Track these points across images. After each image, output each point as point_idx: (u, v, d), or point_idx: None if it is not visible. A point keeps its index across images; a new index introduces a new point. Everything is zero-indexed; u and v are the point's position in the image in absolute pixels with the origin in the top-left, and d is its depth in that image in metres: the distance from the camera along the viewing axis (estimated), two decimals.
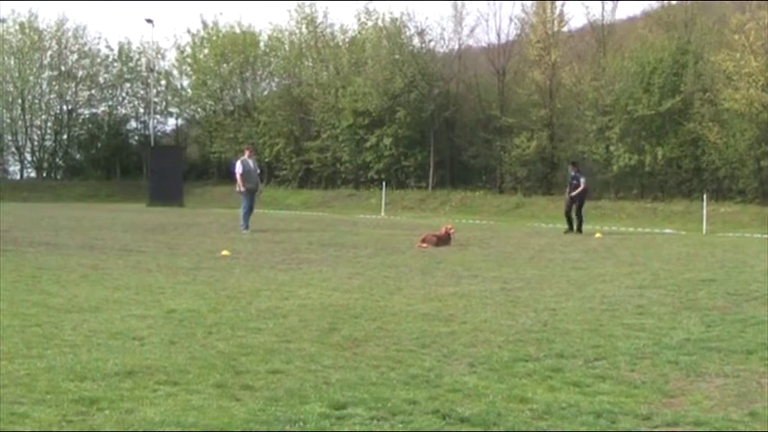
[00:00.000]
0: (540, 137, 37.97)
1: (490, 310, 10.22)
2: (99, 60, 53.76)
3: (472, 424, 5.63)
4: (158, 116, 53.91)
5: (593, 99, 36.42)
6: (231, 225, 25.24)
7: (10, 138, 53.13)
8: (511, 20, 60.98)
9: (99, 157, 53.24)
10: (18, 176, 53.41)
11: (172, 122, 55.69)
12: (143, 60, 53.98)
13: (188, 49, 51.99)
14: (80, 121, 53.98)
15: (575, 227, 24.95)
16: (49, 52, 52.93)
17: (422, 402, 6.08)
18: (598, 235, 24.54)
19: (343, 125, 43.09)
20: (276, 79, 50.18)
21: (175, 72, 53.66)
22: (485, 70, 42.71)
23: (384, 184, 39.65)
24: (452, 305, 10.56)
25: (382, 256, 17.02)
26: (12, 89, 52.28)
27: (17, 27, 52.08)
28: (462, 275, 13.85)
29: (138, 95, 54.51)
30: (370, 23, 45.81)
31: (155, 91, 52.74)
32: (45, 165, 53.56)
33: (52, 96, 53.35)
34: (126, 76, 53.97)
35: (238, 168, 23.99)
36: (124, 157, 53.53)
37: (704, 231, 27.06)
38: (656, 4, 41.01)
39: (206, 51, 50.93)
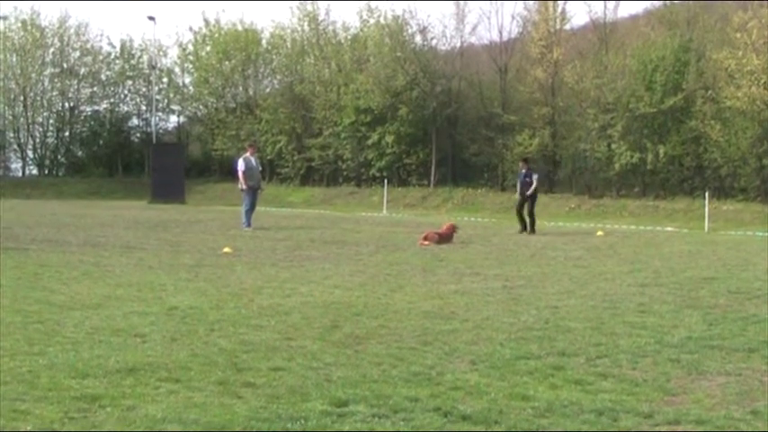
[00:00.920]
0: (541, 135, 37.95)
1: (492, 307, 10.22)
2: (101, 58, 53.74)
3: (474, 421, 5.64)
4: (160, 113, 53.95)
5: (595, 97, 36.38)
6: (233, 222, 25.25)
7: (12, 135, 53.15)
8: (513, 17, 60.99)
9: (101, 154, 53.23)
10: (20, 173, 53.44)
11: (174, 120, 55.80)
12: (145, 58, 53.97)
13: (190, 47, 52.01)
14: (82, 118, 53.97)
15: (528, 227, 23.64)
16: (52, 49, 52.93)
17: (423, 400, 6.08)
18: (600, 233, 24.53)
19: (345, 123, 43.07)
20: (278, 77, 50.14)
21: (177, 69, 53.71)
22: (487, 68, 42.68)
23: (386, 181, 39.67)
24: (454, 303, 10.56)
25: (384, 254, 17.02)
26: (14, 86, 52.27)
27: (19, 24, 52.08)
28: (464, 273, 13.85)
29: (141, 93, 54.50)
30: (372, 21, 45.77)
31: (157, 88, 52.73)
32: (47, 162, 53.56)
33: (54, 93, 53.34)
34: (128, 73, 53.93)
35: (240, 166, 24.00)
36: (126, 154, 53.53)
37: (706, 229, 27.05)
38: (658, 3, 40.95)
39: (208, 49, 50.90)
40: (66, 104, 53.45)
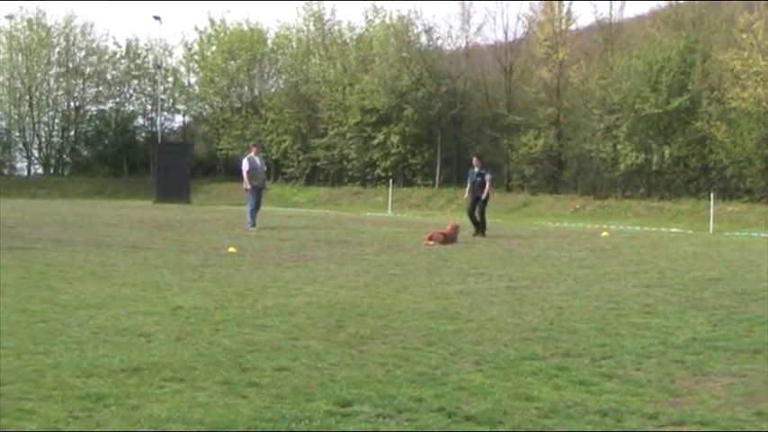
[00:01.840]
0: (547, 135, 37.90)
1: (496, 308, 10.22)
2: (107, 57, 53.75)
3: (478, 422, 5.64)
4: (166, 113, 53.96)
5: (600, 97, 36.33)
6: (238, 222, 25.26)
7: (17, 134, 53.18)
8: (518, 18, 60.76)
9: (106, 153, 53.25)
10: (25, 173, 53.48)
11: (179, 119, 55.80)
12: (150, 57, 54.00)
13: (195, 47, 52.01)
14: (87, 117, 53.99)
15: (479, 228, 22.37)
16: (57, 49, 52.94)
17: (428, 400, 6.08)
18: (605, 234, 24.51)
19: (350, 123, 43.06)
20: (284, 77, 50.14)
21: (183, 69, 53.68)
22: (492, 68, 42.62)
23: (391, 181, 39.66)
24: (458, 303, 10.56)
25: (389, 254, 17.02)
26: (19, 85, 52.30)
27: (25, 24, 52.11)
28: (469, 273, 13.85)
29: (146, 92, 54.52)
30: (377, 21, 45.76)
31: (162, 88, 52.77)
32: (52, 161, 53.58)
33: (60, 93, 53.35)
34: (133, 73, 53.96)
35: (245, 166, 24.03)
36: (131, 153, 53.52)
37: (711, 230, 27.01)
38: (663, 3, 40.86)
39: (213, 49, 50.91)
40: (72, 104, 53.47)
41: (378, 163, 42.53)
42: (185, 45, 52.54)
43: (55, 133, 53.62)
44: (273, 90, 50.32)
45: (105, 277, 12.51)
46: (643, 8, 75.51)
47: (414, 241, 20.21)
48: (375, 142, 42.25)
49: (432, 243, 19.28)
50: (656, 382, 6.71)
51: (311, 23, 47.79)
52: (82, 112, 53.58)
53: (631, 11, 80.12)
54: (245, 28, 50.17)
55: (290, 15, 75.77)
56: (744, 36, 32.37)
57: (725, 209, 30.69)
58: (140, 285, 11.65)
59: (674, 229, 27.62)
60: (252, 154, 24.57)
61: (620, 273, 14.25)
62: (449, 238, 19.81)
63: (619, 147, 35.71)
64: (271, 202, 33.74)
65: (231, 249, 16.93)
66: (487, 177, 22.81)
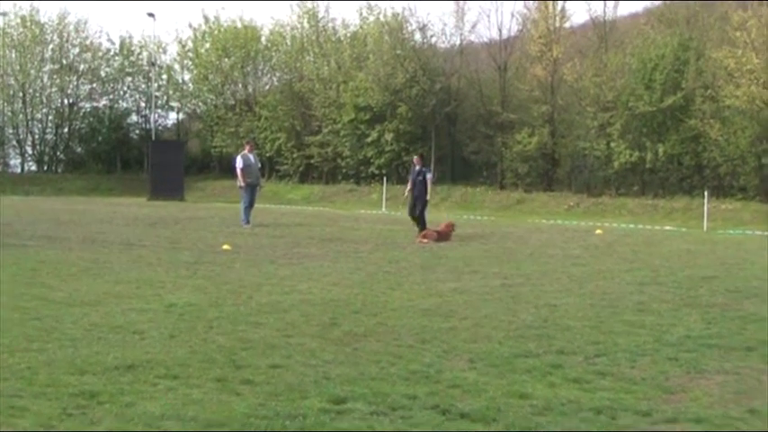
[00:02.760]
0: (541, 133, 37.92)
1: (490, 305, 10.22)
2: (100, 54, 53.62)
3: (472, 419, 5.64)
4: (159, 110, 53.83)
5: (594, 95, 36.35)
6: (232, 220, 25.24)
7: (11, 131, 53.05)
8: (512, 16, 61.30)
9: (100, 150, 53.15)
10: (19, 170, 53.37)
11: (173, 117, 55.64)
12: (144, 54, 53.90)
13: (189, 44, 51.93)
14: (81, 114, 53.87)
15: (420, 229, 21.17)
16: (51, 46, 52.82)
17: (422, 398, 6.08)
18: (599, 231, 24.54)
19: (344, 120, 43.04)
20: (278, 74, 50.11)
21: (177, 66, 53.61)
22: (486, 66, 42.62)
23: (385, 179, 39.64)
24: (453, 301, 10.57)
25: (383, 252, 17.03)
26: (13, 82, 52.18)
27: (19, 20, 51.98)
28: (463, 271, 13.85)
29: (140, 89, 54.41)
30: (371, 18, 45.74)
31: (156, 85, 52.66)
32: (46, 158, 53.48)
33: (53, 90, 53.23)
34: (127, 69, 53.85)
35: (239, 163, 24.01)
36: (125, 150, 53.45)
37: (705, 228, 27.05)
38: (657, 1, 40.96)
39: (207, 46, 50.84)
40: (66, 101, 53.37)
41: (372, 160, 42.51)
42: (179, 42, 52.50)
43: (48, 130, 53.50)
44: (267, 87, 50.26)
45: (99, 274, 12.49)
46: (637, 6, 75.70)
47: (408, 239, 20.20)
48: (369, 140, 42.23)
49: (426, 241, 19.29)
50: (650, 380, 6.72)
51: (305, 21, 47.76)
52: (75, 109, 53.47)
53: (625, 9, 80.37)
54: (239, 25, 50.12)
55: (285, 13, 76.02)
56: (737, 34, 32.41)
57: (719, 207, 30.74)
58: (134, 282, 11.64)
59: (667, 227, 27.66)
60: (246, 151, 24.54)
61: (613, 270, 14.27)
62: (443, 235, 19.81)
63: (613, 144, 35.74)
64: (265, 199, 33.73)
65: (225, 247, 16.91)
66: (428, 177, 22.05)
